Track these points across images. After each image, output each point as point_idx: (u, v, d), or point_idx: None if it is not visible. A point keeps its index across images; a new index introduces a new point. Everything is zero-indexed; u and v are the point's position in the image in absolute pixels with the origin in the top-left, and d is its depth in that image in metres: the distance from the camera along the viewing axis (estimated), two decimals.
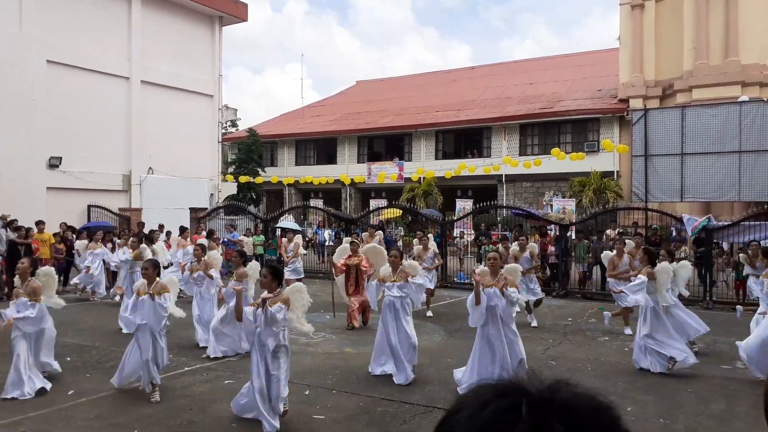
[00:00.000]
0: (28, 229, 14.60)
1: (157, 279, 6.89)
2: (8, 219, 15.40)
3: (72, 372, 7.55)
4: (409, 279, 7.77)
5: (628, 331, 10.14)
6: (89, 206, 21.32)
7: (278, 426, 5.72)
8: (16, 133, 19.19)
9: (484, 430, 0.77)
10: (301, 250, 15.09)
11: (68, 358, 7.98)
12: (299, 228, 20.21)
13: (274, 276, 6.05)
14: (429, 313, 12.11)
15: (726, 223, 14.33)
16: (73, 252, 15.58)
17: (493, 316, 6.96)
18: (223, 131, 31.05)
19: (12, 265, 13.99)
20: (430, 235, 14.83)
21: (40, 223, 15.19)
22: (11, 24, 19.29)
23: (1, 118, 19.01)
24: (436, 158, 31.10)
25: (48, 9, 20.13)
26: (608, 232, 16.65)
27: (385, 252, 10.99)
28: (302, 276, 14.32)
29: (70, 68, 20.82)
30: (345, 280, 11.30)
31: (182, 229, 15.93)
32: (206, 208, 23.91)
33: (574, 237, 16.34)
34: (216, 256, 10.34)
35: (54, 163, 20.28)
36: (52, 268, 8.14)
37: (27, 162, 19.40)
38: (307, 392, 6.99)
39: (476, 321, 6.97)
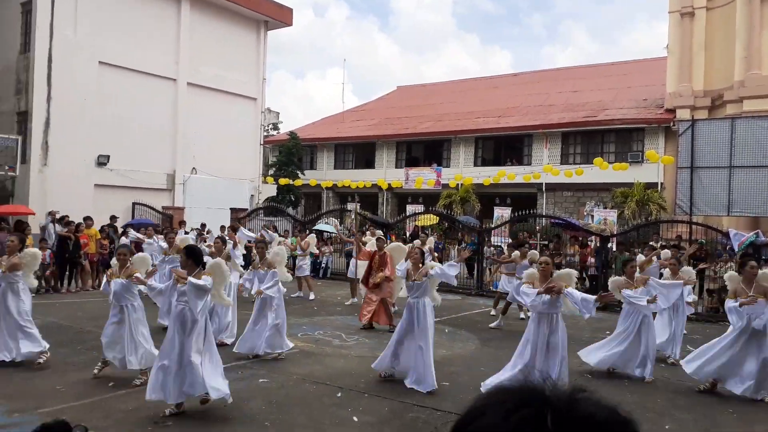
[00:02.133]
0: (78, 224, 15.09)
1: (130, 263, 7.35)
2: (57, 215, 15.97)
3: (113, 365, 7.75)
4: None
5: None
6: (134, 204, 21.94)
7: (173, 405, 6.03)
8: (67, 131, 19.90)
9: None
10: (313, 249, 15.73)
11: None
12: (335, 231, 20.33)
13: (188, 255, 6.35)
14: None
15: None
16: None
17: (541, 321, 6.81)
18: (265, 134, 31.52)
19: (62, 259, 14.53)
20: (431, 237, 16.03)
21: (87, 219, 15.69)
22: (66, 27, 20.03)
23: (55, 116, 19.74)
24: (475, 165, 30.90)
25: (101, 13, 20.85)
26: (651, 244, 16.25)
27: (405, 248, 11.28)
28: (306, 274, 14.93)
29: (120, 70, 21.50)
30: (367, 272, 11.37)
31: (222, 228, 16.29)
32: (247, 209, 24.32)
33: (615, 249, 16.02)
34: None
35: (102, 161, 20.94)
36: (38, 250, 8.75)
37: (77, 159, 20.10)
38: (339, 394, 7.03)
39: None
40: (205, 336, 6.29)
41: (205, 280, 6.15)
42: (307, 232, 17.06)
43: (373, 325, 10.99)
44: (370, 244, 11.96)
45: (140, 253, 8.30)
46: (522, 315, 12.00)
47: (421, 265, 7.84)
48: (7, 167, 18.12)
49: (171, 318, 6.31)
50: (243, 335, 8.61)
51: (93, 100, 20.55)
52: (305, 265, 15.01)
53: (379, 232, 15.01)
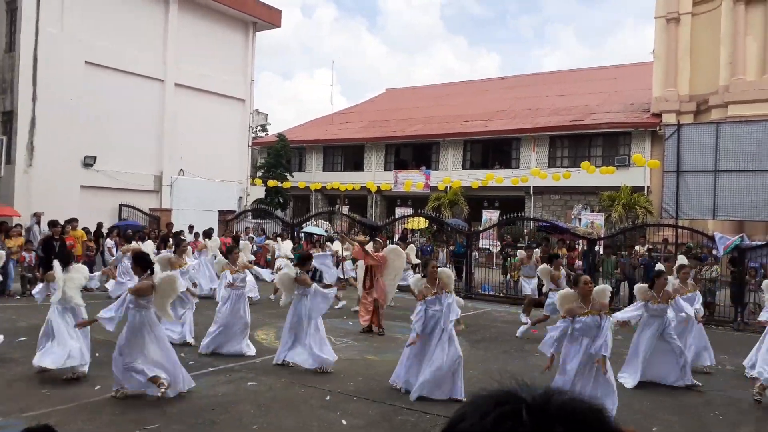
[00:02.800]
0: (64, 226, 14.94)
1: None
2: (41, 216, 15.81)
3: (99, 368, 7.68)
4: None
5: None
6: (120, 205, 21.76)
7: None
8: (53, 131, 19.71)
9: None
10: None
11: (97, 354, 8.12)
12: (324, 233, 20.30)
13: (136, 262, 6.88)
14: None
15: (760, 243, 14.01)
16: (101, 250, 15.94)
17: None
18: (254, 135, 31.41)
19: (47, 260, 14.35)
20: (412, 246, 15.93)
21: (73, 221, 15.54)
22: (53, 24, 19.84)
23: (40, 116, 19.55)
24: (464, 168, 31.00)
25: (88, 11, 20.68)
26: (637, 248, 16.39)
27: (404, 254, 11.39)
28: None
29: (107, 69, 21.34)
30: (364, 275, 11.41)
31: (207, 233, 16.17)
32: (235, 211, 24.21)
33: (602, 252, 16.13)
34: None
35: (88, 162, 20.76)
36: (83, 266, 8.56)
37: (63, 160, 19.90)
38: (328, 397, 7.00)
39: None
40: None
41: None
42: (282, 236, 17.16)
43: (372, 329, 10.99)
44: (390, 248, 11.96)
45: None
46: (524, 319, 11.71)
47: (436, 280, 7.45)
48: None
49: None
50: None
51: (79, 101, 20.37)
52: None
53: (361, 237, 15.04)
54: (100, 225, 17.66)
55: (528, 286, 13.14)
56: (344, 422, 6.21)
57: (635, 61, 34.95)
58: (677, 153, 17.87)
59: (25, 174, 19.28)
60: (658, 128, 24.68)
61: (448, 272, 7.89)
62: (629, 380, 8.00)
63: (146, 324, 6.67)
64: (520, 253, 12.84)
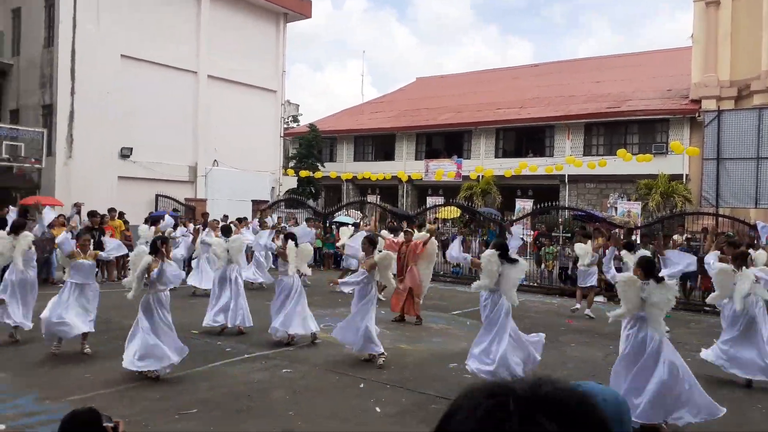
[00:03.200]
0: (103, 216, 15.29)
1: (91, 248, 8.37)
2: (81, 206, 16.21)
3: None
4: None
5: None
6: (157, 196, 22.17)
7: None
8: (91, 123, 20.16)
9: (477, 429, 0.84)
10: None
11: None
12: (355, 223, 20.35)
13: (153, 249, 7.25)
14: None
15: None
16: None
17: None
18: (285, 126, 31.63)
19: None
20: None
21: (111, 211, 15.90)
22: (90, 20, 20.25)
23: (79, 110, 20.01)
24: (496, 156, 30.69)
25: (122, 6, 21.04)
26: (675, 237, 16.02)
27: (435, 242, 11.37)
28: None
29: (142, 63, 21.70)
30: (398, 265, 11.40)
31: (240, 220, 16.45)
32: (267, 201, 24.46)
33: (638, 241, 15.79)
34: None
35: (125, 154, 21.19)
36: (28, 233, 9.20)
37: (100, 152, 20.36)
38: (361, 385, 7.04)
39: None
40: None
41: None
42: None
43: (404, 318, 11.00)
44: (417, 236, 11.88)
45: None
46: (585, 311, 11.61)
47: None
48: (33, 160, 18.42)
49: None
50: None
51: (116, 93, 20.77)
52: None
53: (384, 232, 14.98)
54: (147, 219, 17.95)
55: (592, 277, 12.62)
56: (378, 410, 6.24)
57: (672, 46, 33.99)
58: (717, 140, 17.38)
59: (65, 166, 19.78)
60: (697, 115, 24.02)
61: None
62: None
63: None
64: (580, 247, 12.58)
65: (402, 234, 12.05)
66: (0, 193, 19.87)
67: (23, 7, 21.38)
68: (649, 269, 6.17)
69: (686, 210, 19.57)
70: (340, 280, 8.52)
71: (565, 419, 0.84)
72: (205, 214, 18.62)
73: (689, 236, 16.20)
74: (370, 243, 8.39)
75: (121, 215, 17.11)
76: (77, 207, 16.28)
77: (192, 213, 21.53)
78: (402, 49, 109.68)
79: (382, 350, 7.92)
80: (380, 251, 8.80)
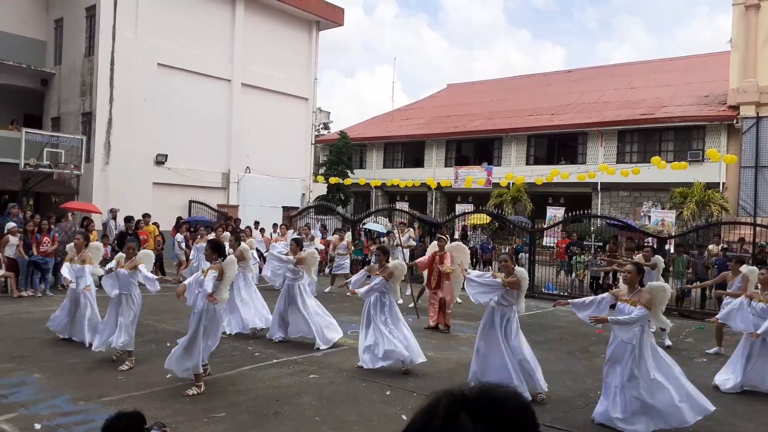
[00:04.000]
0: (138, 221, 15.65)
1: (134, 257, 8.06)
2: (117, 212, 16.62)
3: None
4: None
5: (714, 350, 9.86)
6: (190, 201, 22.58)
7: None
8: (128, 130, 20.67)
9: (412, 427, 0.98)
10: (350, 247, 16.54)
11: (167, 344, 8.48)
12: (383, 230, 20.42)
13: (213, 250, 7.09)
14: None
15: None
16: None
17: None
18: (316, 133, 31.92)
19: None
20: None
21: (146, 216, 16.26)
22: (128, 29, 20.80)
23: (116, 117, 20.54)
24: (527, 164, 30.45)
25: (160, 15, 21.55)
26: (711, 247, 15.66)
27: (468, 250, 11.30)
28: (346, 272, 15.34)
29: (177, 71, 22.18)
30: (428, 274, 11.43)
31: (275, 226, 16.74)
32: (298, 207, 24.70)
33: (672, 251, 15.50)
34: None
35: (160, 160, 21.64)
36: (100, 243, 9.73)
37: (137, 158, 20.85)
38: (388, 392, 7.06)
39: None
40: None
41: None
42: (344, 231, 17.69)
43: (438, 326, 11.00)
44: (430, 247, 11.98)
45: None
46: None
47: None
48: (72, 166, 18.95)
49: None
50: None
51: (152, 101, 21.28)
52: (346, 263, 15.57)
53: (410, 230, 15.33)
54: (178, 219, 18.54)
55: None
56: (404, 417, 6.24)
57: (709, 51, 33.30)
58: (756, 147, 16.98)
59: (102, 172, 20.32)
60: (735, 121, 23.46)
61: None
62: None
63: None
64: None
65: (435, 242, 12.03)
66: (40, 198, 20.51)
67: (65, 17, 22.08)
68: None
69: (722, 219, 19.11)
70: (349, 282, 8.85)
71: (487, 416, 0.94)
72: (237, 220, 18.92)
73: (725, 246, 15.82)
74: (383, 253, 8.54)
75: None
76: (113, 213, 16.69)
77: (224, 219, 21.85)
78: (433, 54, 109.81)
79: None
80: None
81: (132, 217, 15.30)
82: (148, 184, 21.25)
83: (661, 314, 6.29)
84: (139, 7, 21.05)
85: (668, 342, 10.18)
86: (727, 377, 7.81)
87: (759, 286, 8.09)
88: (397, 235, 14.60)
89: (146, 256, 8.30)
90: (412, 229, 18.35)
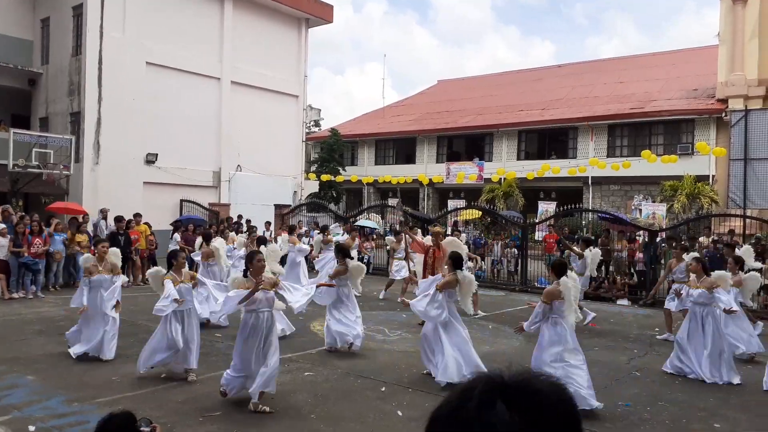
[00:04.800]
0: (129, 221, 15.56)
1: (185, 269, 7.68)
2: (107, 212, 16.51)
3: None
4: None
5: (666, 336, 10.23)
6: (181, 201, 22.48)
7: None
8: (117, 130, 20.55)
9: (447, 412, 0.91)
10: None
11: None
12: (376, 227, 20.41)
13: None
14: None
15: None
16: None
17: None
18: (307, 131, 31.86)
19: None
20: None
21: (137, 216, 16.17)
22: (115, 28, 20.65)
23: (105, 116, 20.41)
24: (518, 159, 30.54)
25: (148, 14, 21.41)
26: (701, 239, 15.77)
27: (465, 247, 11.18)
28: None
29: (166, 69, 22.05)
30: (423, 269, 11.38)
31: (267, 224, 16.62)
32: (290, 205, 24.65)
33: (664, 244, 15.60)
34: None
35: (150, 159, 21.52)
36: (117, 249, 9.02)
37: (126, 158, 20.72)
38: (383, 389, 7.07)
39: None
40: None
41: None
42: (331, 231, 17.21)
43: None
44: (449, 240, 11.82)
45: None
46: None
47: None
48: (61, 166, 18.82)
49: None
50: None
51: (141, 100, 21.15)
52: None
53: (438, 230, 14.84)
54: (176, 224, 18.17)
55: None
56: (400, 413, 6.26)
57: (698, 45, 33.49)
58: (744, 140, 17.06)
59: (92, 172, 20.18)
60: (723, 114, 23.63)
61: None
62: None
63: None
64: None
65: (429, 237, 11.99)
66: (30, 199, 20.36)
67: (52, 17, 21.89)
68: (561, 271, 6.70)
69: (712, 212, 19.24)
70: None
71: (526, 408, 0.87)
72: (229, 219, 18.85)
73: (716, 238, 15.94)
74: (340, 253, 9.07)
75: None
76: (103, 213, 16.58)
77: (216, 217, 21.77)
78: (422, 51, 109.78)
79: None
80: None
81: (122, 217, 15.21)
82: (139, 184, 21.13)
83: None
84: (127, 6, 20.89)
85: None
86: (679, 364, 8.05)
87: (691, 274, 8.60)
88: (405, 239, 14.06)
89: (115, 256, 8.43)
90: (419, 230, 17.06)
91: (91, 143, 20.24)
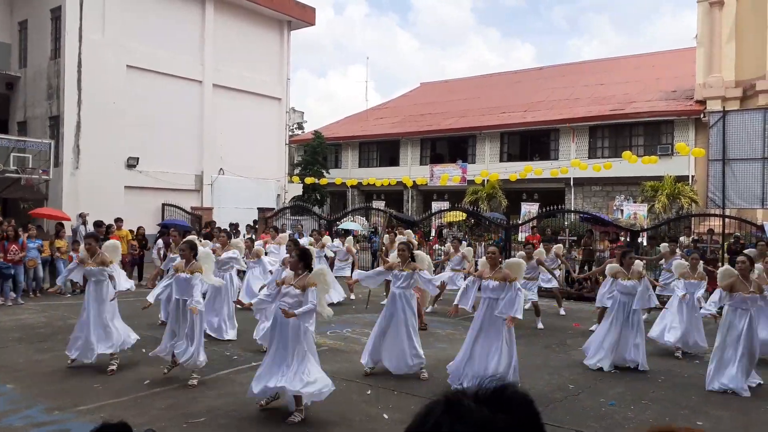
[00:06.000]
0: (109, 226, 15.36)
1: (194, 260, 7.49)
2: (87, 216, 16.29)
3: (147, 363, 7.91)
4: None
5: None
6: (163, 205, 22.27)
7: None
8: (97, 134, 20.31)
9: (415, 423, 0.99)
10: (353, 250, 15.46)
11: (143, 350, 8.36)
12: (361, 229, 20.40)
13: (301, 258, 6.33)
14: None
15: None
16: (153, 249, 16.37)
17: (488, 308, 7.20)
18: (290, 133, 31.74)
19: None
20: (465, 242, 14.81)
21: (118, 220, 15.98)
22: (95, 31, 20.42)
23: (85, 120, 20.16)
24: (501, 160, 30.70)
25: (127, 17, 21.21)
26: (682, 239, 15.97)
27: (429, 260, 11.02)
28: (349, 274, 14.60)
29: (147, 72, 21.84)
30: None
31: (249, 228, 16.49)
32: (273, 208, 24.53)
33: (645, 243, 15.77)
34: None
35: (132, 164, 21.31)
36: (117, 241, 9.07)
37: (107, 162, 20.49)
38: (368, 392, 7.05)
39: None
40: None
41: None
42: (344, 235, 16.92)
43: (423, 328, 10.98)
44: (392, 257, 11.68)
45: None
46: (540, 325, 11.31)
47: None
48: (40, 171, 18.55)
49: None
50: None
51: (122, 104, 20.92)
52: (346, 267, 15.17)
53: (409, 232, 14.80)
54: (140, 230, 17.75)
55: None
56: (386, 416, 6.25)
57: (676, 47, 33.97)
58: (723, 141, 17.32)
59: (72, 176, 19.92)
60: (702, 116, 23.97)
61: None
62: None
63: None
64: (520, 254, 11.76)
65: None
66: (8, 204, 20.05)
67: (30, 19, 21.60)
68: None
69: (693, 211, 19.50)
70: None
71: (491, 400, 0.95)
72: (212, 222, 18.69)
73: (696, 238, 16.16)
74: (299, 256, 8.92)
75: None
76: (83, 217, 16.36)
77: (198, 222, 21.59)
78: (404, 53, 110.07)
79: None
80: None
81: (102, 222, 15.02)
82: (120, 188, 20.90)
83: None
84: (106, 8, 20.67)
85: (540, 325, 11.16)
86: (599, 357, 8.29)
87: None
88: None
89: (113, 248, 8.31)
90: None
91: (71, 147, 19.98)
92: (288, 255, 9.40)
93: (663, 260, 12.05)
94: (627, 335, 8.24)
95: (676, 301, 9.49)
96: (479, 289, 7.34)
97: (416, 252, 8.68)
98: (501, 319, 6.98)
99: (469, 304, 7.45)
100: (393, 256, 11.69)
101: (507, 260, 7.62)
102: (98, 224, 14.96)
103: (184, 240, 8.49)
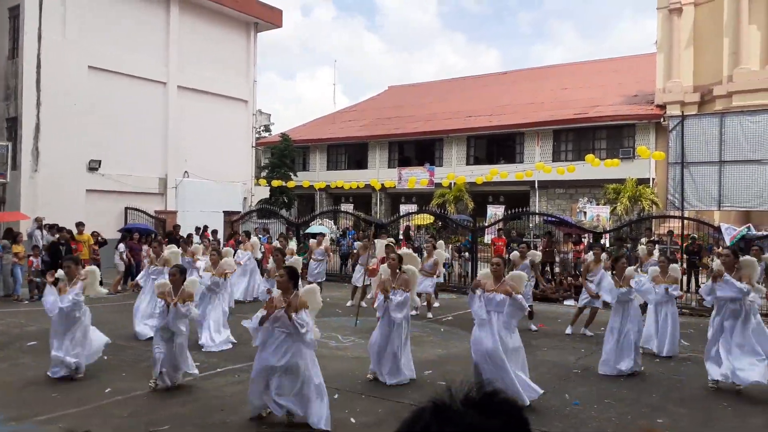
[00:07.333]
0: (70, 231, 15.01)
1: (183, 286, 7.26)
2: (42, 220, 15.87)
3: (108, 371, 7.75)
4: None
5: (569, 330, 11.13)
6: (126, 208, 21.82)
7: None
8: (57, 136, 19.79)
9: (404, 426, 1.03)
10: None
11: (105, 357, 8.18)
12: (329, 232, 20.31)
13: (290, 277, 6.12)
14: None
15: (766, 233, 13.95)
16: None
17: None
18: (257, 136, 31.45)
19: (54, 265, 14.43)
20: (441, 250, 14.69)
21: (79, 225, 15.61)
22: (55, 31, 19.91)
23: (45, 122, 19.63)
24: (468, 164, 30.98)
25: (89, 17, 20.73)
26: (643, 240, 16.36)
27: (418, 258, 10.91)
28: (322, 280, 14.58)
29: (110, 74, 21.39)
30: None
31: (214, 233, 16.26)
32: (240, 212, 24.26)
33: (608, 245, 16.10)
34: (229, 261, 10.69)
35: (93, 166, 20.83)
36: (96, 267, 8.63)
37: (68, 165, 19.98)
38: (336, 396, 7.02)
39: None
40: None
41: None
42: (322, 235, 16.63)
43: None
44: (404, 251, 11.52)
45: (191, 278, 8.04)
46: (533, 327, 11.52)
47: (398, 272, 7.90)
48: None
49: None
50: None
51: (83, 105, 20.43)
52: (321, 270, 15.01)
53: (441, 243, 14.38)
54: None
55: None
56: (353, 420, 6.24)
57: (638, 53, 34.80)
58: (681, 144, 17.76)
59: (30, 179, 19.36)
60: (662, 120, 24.60)
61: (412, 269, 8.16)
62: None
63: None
64: (514, 254, 12.10)
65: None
66: None
67: None
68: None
69: (653, 213, 19.98)
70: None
71: (478, 403, 0.97)
72: (177, 226, 18.43)
73: (656, 239, 16.55)
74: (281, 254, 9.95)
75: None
76: (38, 222, 15.93)
77: (162, 226, 21.22)
78: (372, 56, 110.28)
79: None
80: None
81: (56, 225, 14.66)
82: (81, 192, 20.40)
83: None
84: (67, 8, 20.17)
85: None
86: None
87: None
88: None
89: (92, 275, 7.96)
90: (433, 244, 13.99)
91: (30, 149, 19.43)
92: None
93: (640, 264, 11.99)
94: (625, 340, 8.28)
95: (652, 306, 9.70)
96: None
97: (405, 251, 8.81)
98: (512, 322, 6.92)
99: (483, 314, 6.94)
100: (374, 262, 11.69)
101: (510, 273, 7.45)
102: (59, 229, 14.62)
103: (175, 265, 8.29)
